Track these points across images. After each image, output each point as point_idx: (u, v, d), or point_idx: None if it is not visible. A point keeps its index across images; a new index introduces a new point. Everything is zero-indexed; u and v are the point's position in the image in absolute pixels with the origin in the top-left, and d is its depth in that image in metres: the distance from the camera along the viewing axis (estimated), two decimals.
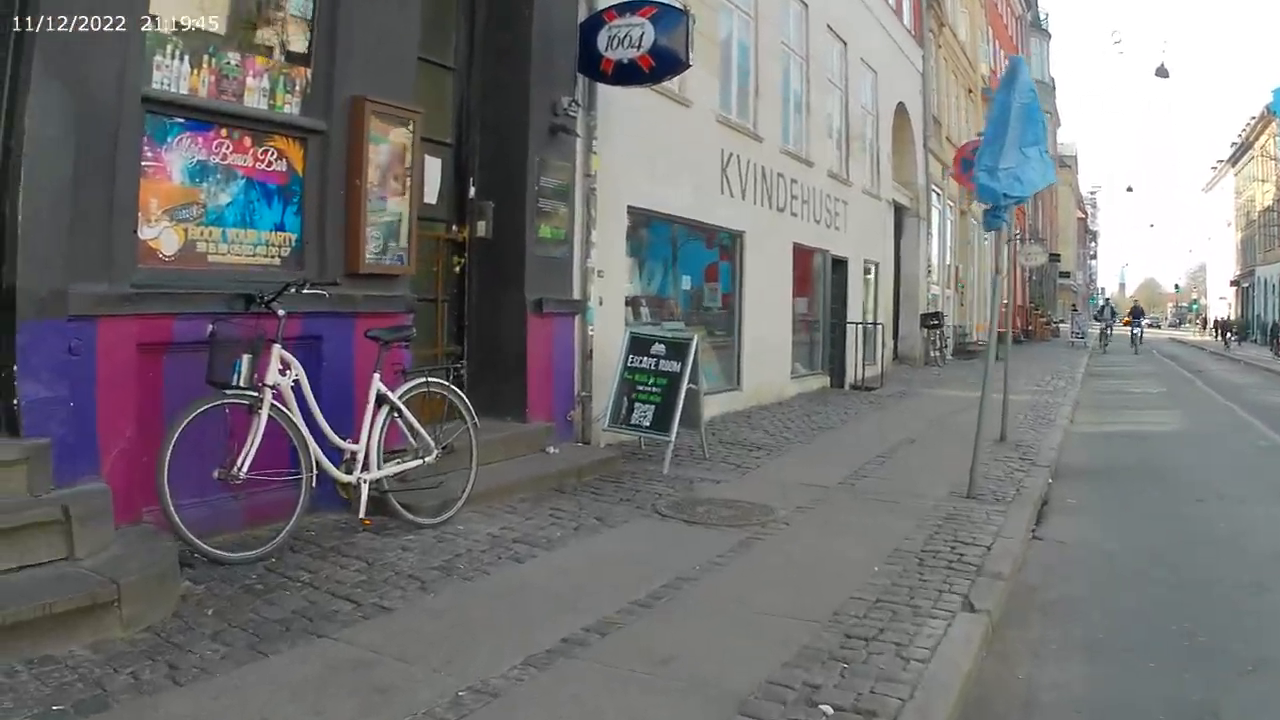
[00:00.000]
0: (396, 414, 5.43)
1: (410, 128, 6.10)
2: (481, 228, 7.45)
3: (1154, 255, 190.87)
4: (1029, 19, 47.18)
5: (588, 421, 8.18)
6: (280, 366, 4.93)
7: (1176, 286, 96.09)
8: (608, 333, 8.51)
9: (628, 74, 7.80)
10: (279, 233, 5.56)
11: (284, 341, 4.94)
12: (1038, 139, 7.24)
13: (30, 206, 4.19)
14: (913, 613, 4.39)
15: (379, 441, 5.33)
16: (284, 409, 4.91)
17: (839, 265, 15.56)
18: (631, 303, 9.69)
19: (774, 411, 11.63)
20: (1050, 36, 52.79)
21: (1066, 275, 53.86)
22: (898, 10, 19.68)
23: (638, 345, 8.04)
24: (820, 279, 14.95)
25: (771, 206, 12.51)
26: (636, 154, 9.14)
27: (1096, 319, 40.02)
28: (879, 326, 16.84)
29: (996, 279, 8.07)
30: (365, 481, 5.25)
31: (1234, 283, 62.76)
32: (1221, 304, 66.69)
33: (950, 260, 26.35)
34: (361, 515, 5.27)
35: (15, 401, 4.18)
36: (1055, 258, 45.81)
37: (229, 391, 4.69)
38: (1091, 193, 59.41)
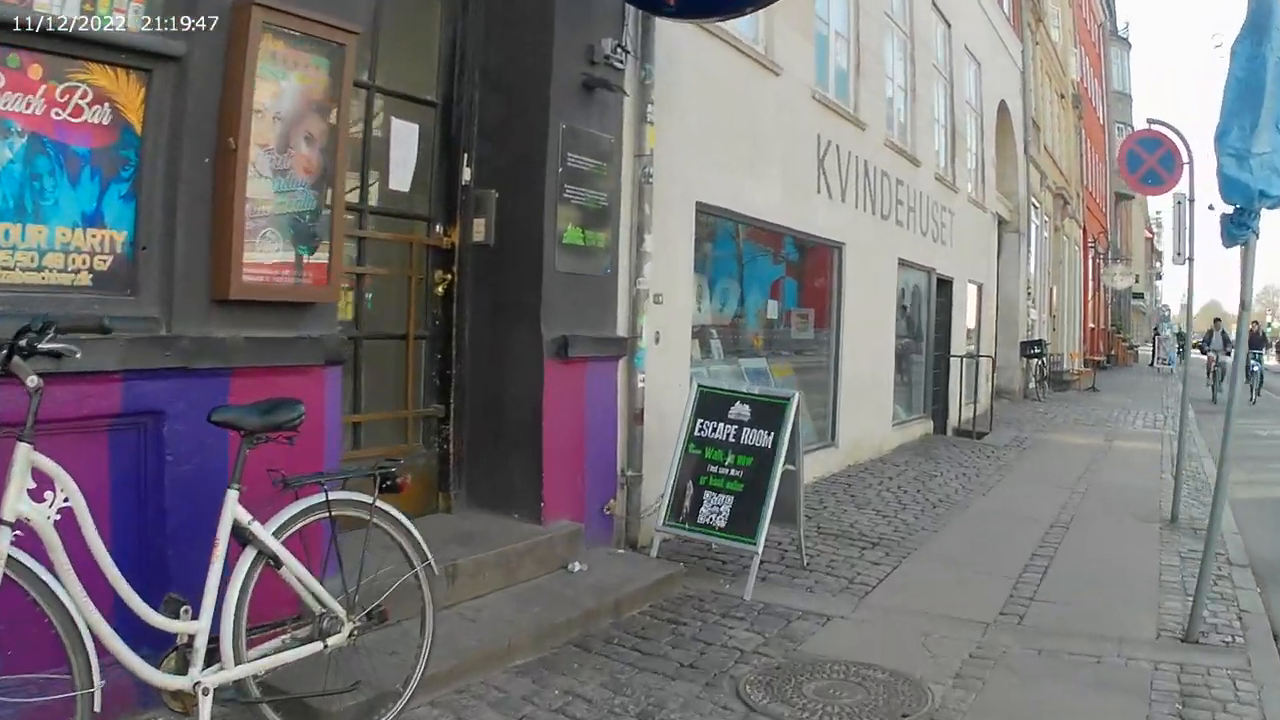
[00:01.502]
0: (270, 562, 2.96)
1: (337, 58, 3.67)
2: (479, 228, 5.01)
3: (1220, 277, 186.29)
4: (1109, 27, 44.09)
5: (635, 515, 5.59)
6: (32, 484, 2.52)
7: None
8: (667, 382, 5.98)
9: (700, 1, 5.22)
10: (94, 230, 3.16)
11: (34, 432, 2.51)
12: None
13: None
14: None
15: (235, 612, 2.87)
16: (31, 568, 2.49)
17: (944, 286, 12.92)
18: (698, 335, 7.13)
19: (877, 473, 9.04)
20: (1131, 46, 49.51)
21: (1140, 296, 51.04)
22: None
23: (709, 406, 5.47)
24: (924, 303, 12.30)
25: (875, 212, 9.85)
26: (708, 131, 6.55)
27: (1201, 350, 24.98)
28: (987, 359, 14.19)
29: (1244, 316, 5.35)
30: (207, 691, 2.79)
31: None
32: None
33: (1045, 281, 23.36)
34: None
35: None
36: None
37: None
38: (1157, 213, 56.10)
